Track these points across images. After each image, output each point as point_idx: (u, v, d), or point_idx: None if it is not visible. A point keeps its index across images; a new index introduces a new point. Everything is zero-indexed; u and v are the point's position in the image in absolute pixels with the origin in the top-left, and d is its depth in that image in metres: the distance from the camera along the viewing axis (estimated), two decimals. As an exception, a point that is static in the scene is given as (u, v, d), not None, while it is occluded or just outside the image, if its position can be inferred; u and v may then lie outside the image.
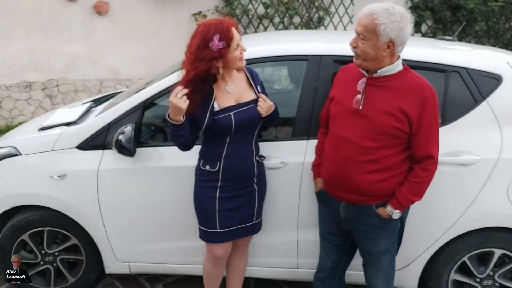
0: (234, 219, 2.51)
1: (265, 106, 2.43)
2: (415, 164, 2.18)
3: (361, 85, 2.19)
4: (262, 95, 2.47)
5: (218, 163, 2.44)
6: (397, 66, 2.15)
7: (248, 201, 2.53)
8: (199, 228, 2.57)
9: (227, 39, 2.26)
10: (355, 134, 2.17)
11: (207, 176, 2.47)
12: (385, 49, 2.07)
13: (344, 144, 2.21)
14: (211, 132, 2.41)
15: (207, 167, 2.46)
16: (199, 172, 2.51)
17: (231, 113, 2.37)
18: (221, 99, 2.38)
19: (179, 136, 2.36)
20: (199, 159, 2.52)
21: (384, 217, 2.22)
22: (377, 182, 2.18)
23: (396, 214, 2.21)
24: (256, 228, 2.63)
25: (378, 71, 2.14)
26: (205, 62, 2.25)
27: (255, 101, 2.46)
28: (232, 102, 2.40)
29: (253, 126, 2.47)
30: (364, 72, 2.19)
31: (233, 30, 2.29)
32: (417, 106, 2.09)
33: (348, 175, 2.21)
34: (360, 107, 2.16)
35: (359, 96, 2.18)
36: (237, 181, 2.47)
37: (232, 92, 2.41)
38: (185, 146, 2.44)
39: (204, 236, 2.56)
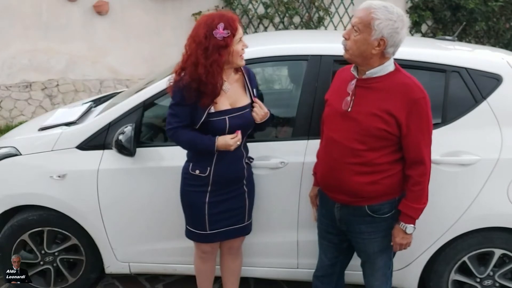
0: (224, 221, 2.49)
1: (260, 113, 2.41)
2: (410, 170, 2.15)
3: (350, 86, 2.18)
4: (258, 100, 2.44)
5: (209, 168, 2.41)
6: (387, 67, 2.12)
7: (239, 202, 2.51)
8: (186, 228, 2.57)
9: (232, 28, 2.25)
10: (344, 136, 2.16)
11: (196, 181, 2.44)
12: (374, 46, 2.05)
13: (334, 146, 2.21)
14: (203, 133, 2.39)
15: (197, 171, 2.42)
16: (187, 176, 2.47)
17: (226, 117, 2.35)
18: (217, 101, 2.35)
19: (202, 151, 2.40)
20: (188, 162, 2.49)
21: (399, 234, 2.21)
22: (367, 184, 2.16)
23: (410, 228, 2.19)
24: (247, 229, 2.61)
25: (367, 72, 2.12)
26: (214, 51, 2.23)
27: (250, 106, 2.43)
28: (227, 106, 2.37)
29: (246, 130, 2.45)
30: (355, 73, 2.17)
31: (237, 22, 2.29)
32: (405, 108, 2.06)
33: (339, 177, 2.21)
34: (349, 109, 2.15)
35: (348, 98, 2.17)
36: (227, 185, 2.45)
37: (228, 92, 2.38)
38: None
39: (191, 235, 2.56)
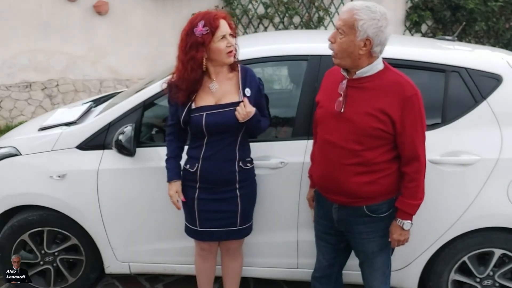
0: (215, 221, 2.49)
1: (242, 111, 2.32)
2: (405, 167, 2.16)
3: (342, 87, 2.18)
4: (245, 100, 2.35)
5: (197, 164, 2.43)
6: (377, 66, 2.12)
7: (230, 206, 2.49)
8: (185, 223, 2.60)
9: (212, 26, 2.26)
10: (340, 137, 2.16)
11: (188, 175, 2.48)
12: (361, 47, 2.04)
13: (331, 148, 2.20)
14: (189, 130, 2.43)
15: (188, 166, 2.47)
16: (183, 170, 2.53)
17: (204, 113, 2.34)
18: (199, 97, 2.37)
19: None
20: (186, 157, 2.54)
21: (396, 230, 2.22)
22: (366, 184, 2.16)
23: (407, 225, 2.20)
24: (242, 233, 2.59)
25: (357, 72, 2.12)
26: (192, 48, 2.27)
27: (237, 105, 2.36)
28: (210, 102, 2.37)
29: (230, 130, 2.39)
30: (345, 74, 2.17)
31: (221, 21, 2.29)
32: (398, 106, 2.06)
33: (336, 178, 2.20)
34: (342, 110, 2.14)
35: (340, 98, 2.16)
36: (216, 185, 2.43)
37: (215, 91, 2.38)
38: None
39: (187, 231, 2.60)
